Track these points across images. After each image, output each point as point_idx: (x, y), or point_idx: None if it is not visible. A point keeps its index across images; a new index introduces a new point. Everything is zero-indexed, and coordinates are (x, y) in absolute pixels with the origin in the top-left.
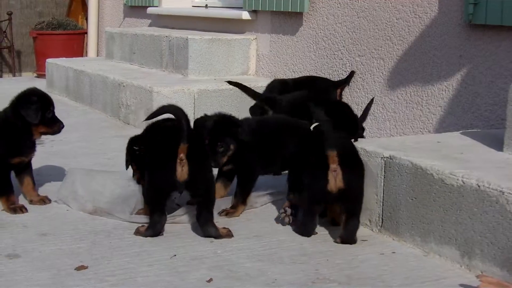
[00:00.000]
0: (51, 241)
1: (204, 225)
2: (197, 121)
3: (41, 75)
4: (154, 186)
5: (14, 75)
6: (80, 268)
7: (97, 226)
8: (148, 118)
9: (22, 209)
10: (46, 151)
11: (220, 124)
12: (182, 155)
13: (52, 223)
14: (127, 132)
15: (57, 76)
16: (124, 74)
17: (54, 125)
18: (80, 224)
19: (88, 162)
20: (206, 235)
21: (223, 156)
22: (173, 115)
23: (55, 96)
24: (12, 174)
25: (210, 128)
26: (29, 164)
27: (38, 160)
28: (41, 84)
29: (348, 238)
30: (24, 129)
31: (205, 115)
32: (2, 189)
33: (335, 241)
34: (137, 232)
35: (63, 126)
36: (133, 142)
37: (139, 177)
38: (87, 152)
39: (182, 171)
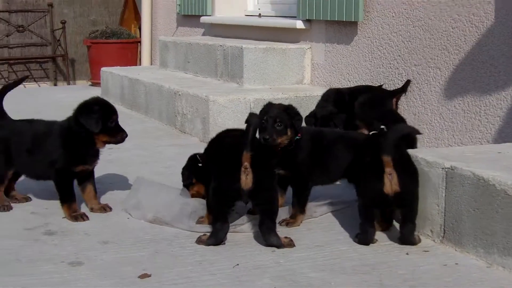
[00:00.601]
0: (113, 249)
1: (267, 235)
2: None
3: (95, 83)
4: (219, 194)
5: (68, 83)
6: (143, 276)
7: (158, 234)
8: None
9: (83, 217)
10: (104, 159)
11: (288, 108)
12: (246, 164)
13: (113, 231)
14: (183, 140)
15: (112, 84)
16: (179, 83)
17: (116, 135)
18: (140, 233)
19: (146, 171)
20: (268, 244)
21: (278, 136)
22: (247, 123)
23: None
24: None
25: (277, 107)
26: (92, 173)
27: (96, 168)
28: (96, 93)
29: (406, 239)
30: (87, 138)
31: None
32: (65, 197)
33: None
34: (199, 241)
35: (126, 136)
36: (194, 160)
37: (198, 190)
38: (145, 161)
39: (246, 180)
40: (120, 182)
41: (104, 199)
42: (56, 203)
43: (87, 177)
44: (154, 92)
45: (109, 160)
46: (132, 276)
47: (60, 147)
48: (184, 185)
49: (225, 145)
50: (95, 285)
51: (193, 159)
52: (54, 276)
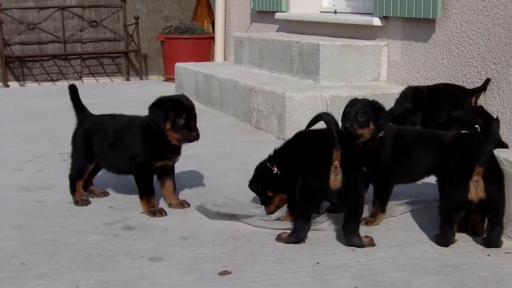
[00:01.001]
0: (193, 245)
1: (350, 235)
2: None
3: (169, 79)
4: (305, 194)
5: (141, 78)
6: (224, 273)
7: (237, 231)
8: (307, 127)
9: (161, 212)
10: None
11: (372, 103)
12: (336, 163)
13: (191, 227)
14: (258, 137)
15: (186, 80)
16: (254, 79)
17: (186, 133)
18: (219, 229)
19: (223, 167)
20: (349, 244)
21: (359, 127)
22: (325, 122)
23: None
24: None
25: (361, 100)
26: (172, 168)
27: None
28: (169, 88)
29: (492, 242)
30: (159, 134)
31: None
32: (144, 192)
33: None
34: (279, 239)
35: (196, 135)
36: (266, 170)
37: (280, 201)
38: (221, 157)
39: (335, 179)
40: (197, 178)
41: (182, 195)
42: (134, 198)
43: (167, 172)
44: (229, 88)
45: (187, 156)
46: (212, 272)
47: (140, 142)
48: (262, 202)
49: (311, 144)
50: (175, 281)
51: (263, 169)
52: (134, 272)
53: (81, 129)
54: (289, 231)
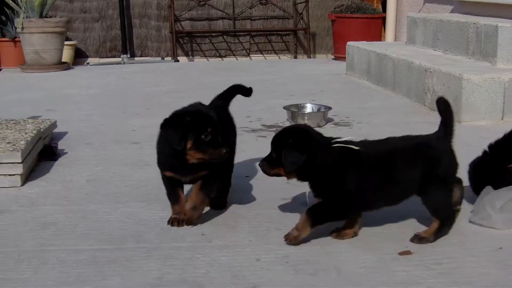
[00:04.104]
0: (372, 224)
1: None
2: None
3: (338, 57)
4: None
5: (309, 57)
6: (405, 253)
7: (418, 212)
8: None
9: (175, 222)
10: (353, 133)
11: None
12: None
13: None
14: (433, 118)
15: (358, 59)
16: (429, 60)
17: (213, 151)
18: (402, 210)
19: None
20: None
21: None
22: None
23: (354, 79)
24: None
25: None
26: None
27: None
28: (339, 67)
29: None
30: (179, 153)
31: None
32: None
33: None
34: None
35: (226, 152)
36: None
37: None
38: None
39: None
40: None
41: None
42: None
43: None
44: (402, 68)
45: (359, 134)
46: (393, 252)
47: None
48: None
49: None
50: (356, 259)
51: (482, 167)
52: (314, 248)
53: None
54: None
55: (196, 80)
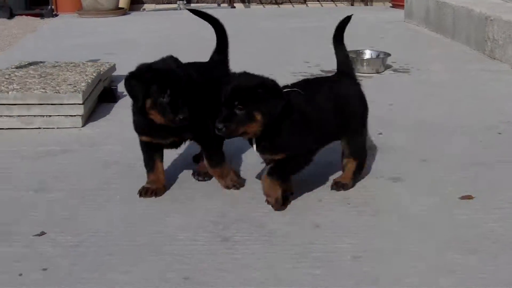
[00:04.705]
0: (433, 168)
1: None
2: None
3: (396, 5)
4: None
5: (366, 4)
6: (465, 197)
7: (477, 157)
8: None
9: (143, 193)
10: (413, 80)
11: None
12: None
13: (431, 151)
14: (493, 66)
15: (417, 7)
16: (490, 8)
17: (170, 115)
18: (459, 154)
19: (459, 94)
20: None
21: None
22: None
23: (412, 27)
24: None
25: None
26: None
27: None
28: (397, 15)
29: None
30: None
31: None
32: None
33: None
34: None
35: (183, 119)
36: None
37: None
38: (456, 84)
39: None
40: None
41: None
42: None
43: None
44: (462, 16)
45: (419, 81)
46: (453, 196)
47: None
48: None
49: None
50: (417, 201)
51: None
52: (376, 192)
53: None
54: None
55: (253, 25)
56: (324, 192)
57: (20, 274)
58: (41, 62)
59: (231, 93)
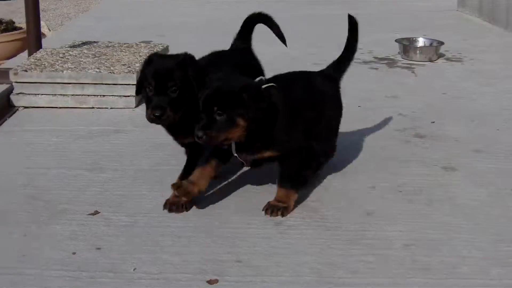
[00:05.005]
0: (486, 158)
1: None
2: None
3: None
4: None
5: None
6: None
7: None
8: None
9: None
10: (466, 69)
11: None
12: None
13: (484, 141)
14: None
15: None
16: None
17: (147, 108)
18: None
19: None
20: None
21: None
22: None
23: (465, 16)
24: None
25: None
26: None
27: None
28: (449, 3)
29: None
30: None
31: None
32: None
33: None
34: None
35: (153, 116)
36: None
37: None
38: (510, 75)
39: None
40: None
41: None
42: (422, 107)
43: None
44: None
45: (471, 70)
46: (507, 187)
47: None
48: None
49: None
50: (469, 192)
51: None
52: (427, 179)
53: None
54: None
55: (295, 13)
56: (376, 179)
57: (74, 253)
58: (94, 42)
59: (209, 98)
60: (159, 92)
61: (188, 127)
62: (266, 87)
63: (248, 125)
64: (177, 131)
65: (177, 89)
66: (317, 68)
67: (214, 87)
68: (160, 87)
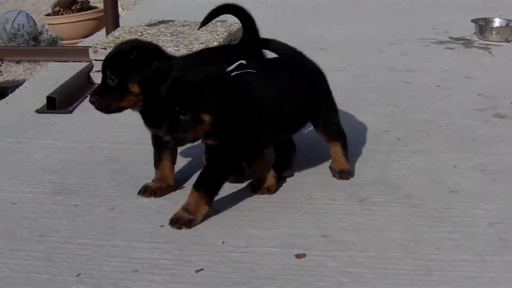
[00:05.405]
0: None
1: None
2: None
3: None
4: None
5: None
6: None
7: None
8: None
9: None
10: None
11: None
12: None
13: None
14: None
15: None
16: None
17: None
18: None
19: None
20: None
21: None
22: None
23: None
24: None
25: None
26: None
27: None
28: None
29: None
30: None
31: None
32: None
33: None
34: None
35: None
36: None
37: None
38: None
39: None
40: None
41: None
42: (503, 86)
43: None
44: None
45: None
46: None
47: None
48: None
49: None
50: None
51: None
52: (509, 158)
53: None
54: None
55: None
56: (458, 158)
57: (162, 225)
58: (170, 20)
59: (170, 97)
60: None
61: None
62: (235, 74)
63: (217, 118)
64: None
65: None
66: None
67: (172, 85)
68: None
